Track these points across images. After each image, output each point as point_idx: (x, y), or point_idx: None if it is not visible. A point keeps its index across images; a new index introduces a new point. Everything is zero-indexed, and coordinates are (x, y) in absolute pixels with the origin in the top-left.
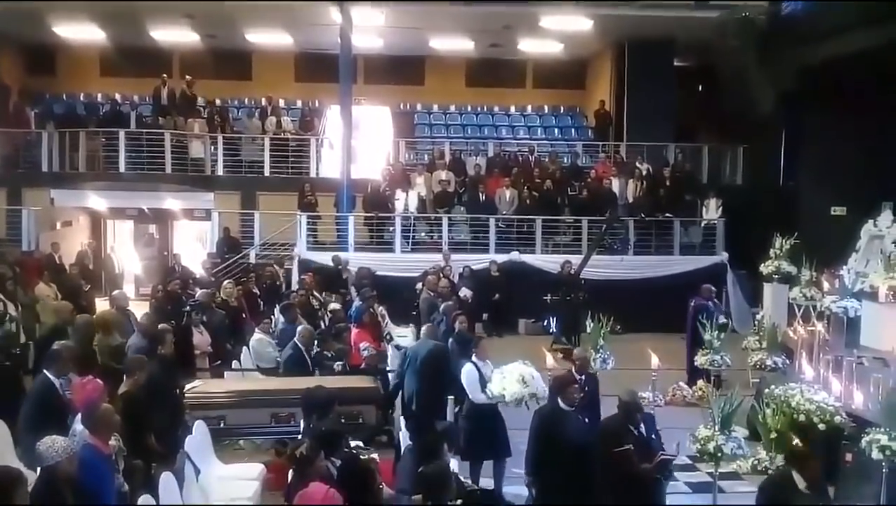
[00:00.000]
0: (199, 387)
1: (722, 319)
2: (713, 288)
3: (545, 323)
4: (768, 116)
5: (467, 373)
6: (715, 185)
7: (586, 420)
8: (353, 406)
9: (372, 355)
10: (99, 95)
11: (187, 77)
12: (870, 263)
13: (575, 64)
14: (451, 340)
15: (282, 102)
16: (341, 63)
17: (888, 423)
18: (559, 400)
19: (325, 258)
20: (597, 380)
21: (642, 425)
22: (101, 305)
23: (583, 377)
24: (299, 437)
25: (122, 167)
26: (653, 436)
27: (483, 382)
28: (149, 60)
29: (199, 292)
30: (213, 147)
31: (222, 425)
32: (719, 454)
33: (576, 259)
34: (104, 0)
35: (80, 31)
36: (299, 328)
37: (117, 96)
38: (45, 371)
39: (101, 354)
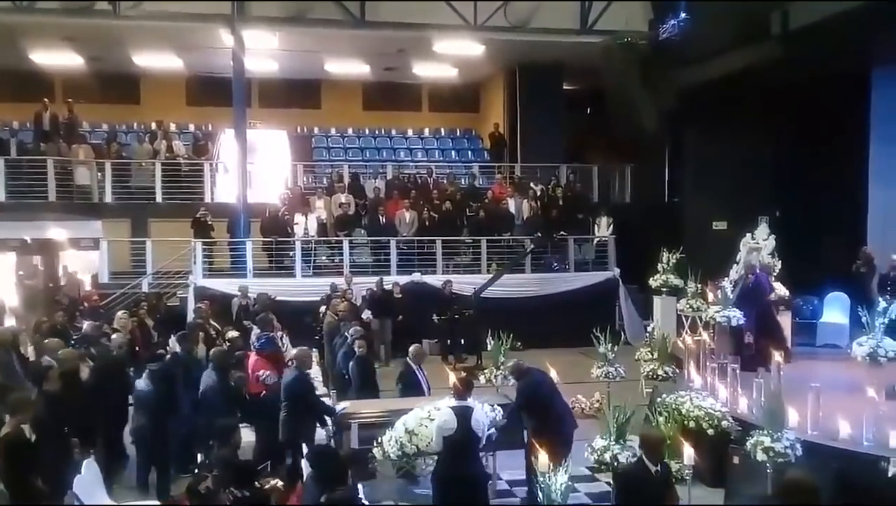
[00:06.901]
0: (348, 408)
1: None
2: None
3: (448, 343)
4: (652, 136)
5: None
6: (605, 203)
7: None
8: None
9: (274, 383)
10: None
11: (68, 100)
12: None
13: (469, 88)
14: (350, 363)
15: (173, 126)
16: (234, 86)
17: (770, 425)
18: None
19: (221, 285)
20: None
21: None
22: None
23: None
24: None
25: (1, 196)
26: None
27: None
28: (29, 84)
29: (85, 324)
30: (100, 173)
31: (375, 443)
32: (615, 464)
33: (459, 278)
34: None
35: None
36: (410, 348)
37: None
38: None
39: None
